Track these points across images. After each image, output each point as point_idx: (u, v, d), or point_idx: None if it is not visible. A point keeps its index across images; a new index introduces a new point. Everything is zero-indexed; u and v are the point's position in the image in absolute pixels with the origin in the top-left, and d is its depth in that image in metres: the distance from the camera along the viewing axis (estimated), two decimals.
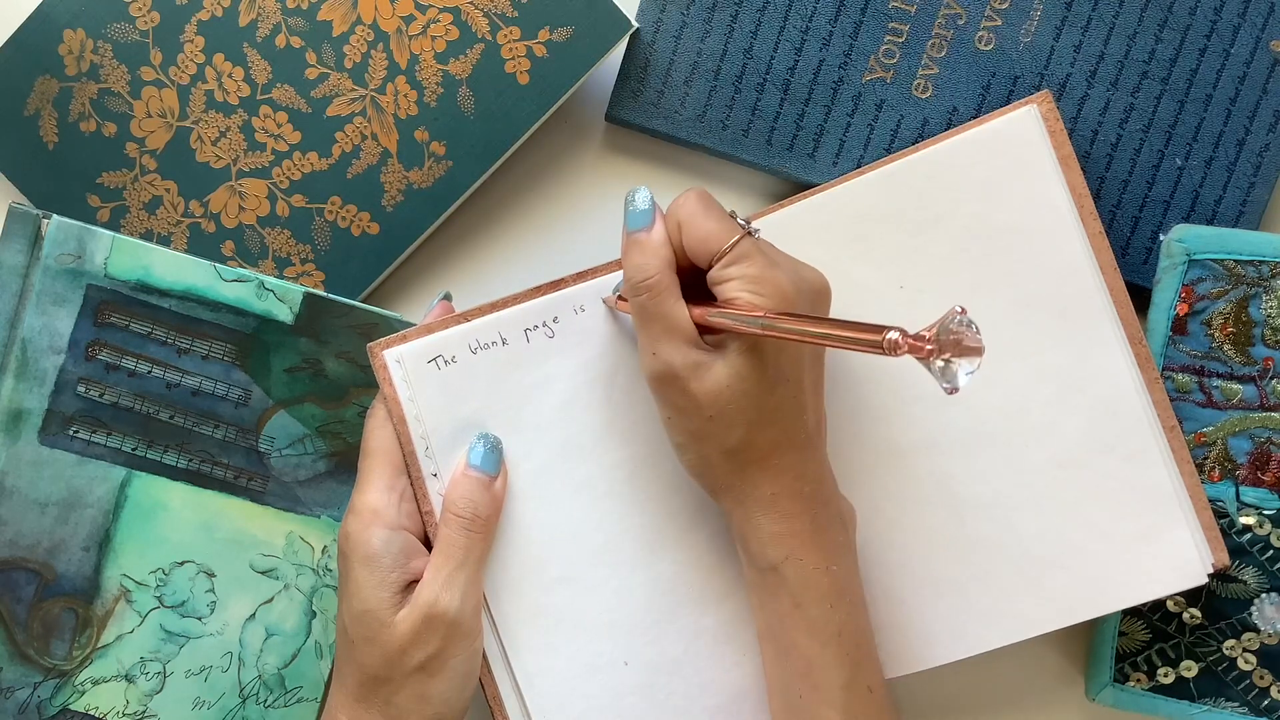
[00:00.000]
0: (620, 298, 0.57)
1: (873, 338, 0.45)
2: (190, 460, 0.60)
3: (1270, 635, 0.59)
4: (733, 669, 0.58)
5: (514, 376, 0.58)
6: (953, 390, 0.43)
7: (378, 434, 0.57)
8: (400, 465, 0.57)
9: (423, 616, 0.53)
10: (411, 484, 0.57)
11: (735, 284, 0.51)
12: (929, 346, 0.43)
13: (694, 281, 0.53)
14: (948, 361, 0.43)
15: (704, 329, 0.52)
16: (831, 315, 0.55)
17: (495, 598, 0.57)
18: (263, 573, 0.61)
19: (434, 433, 0.57)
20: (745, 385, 0.51)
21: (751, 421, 0.52)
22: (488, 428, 0.58)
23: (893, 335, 0.44)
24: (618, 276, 0.58)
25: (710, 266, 0.52)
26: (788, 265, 0.53)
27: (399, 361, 0.57)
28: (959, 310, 0.43)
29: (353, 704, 0.54)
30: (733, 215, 0.53)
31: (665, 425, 0.54)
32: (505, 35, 0.62)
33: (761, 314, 0.50)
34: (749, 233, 0.52)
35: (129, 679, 0.60)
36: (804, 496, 0.53)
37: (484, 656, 0.57)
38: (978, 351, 0.43)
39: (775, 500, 0.53)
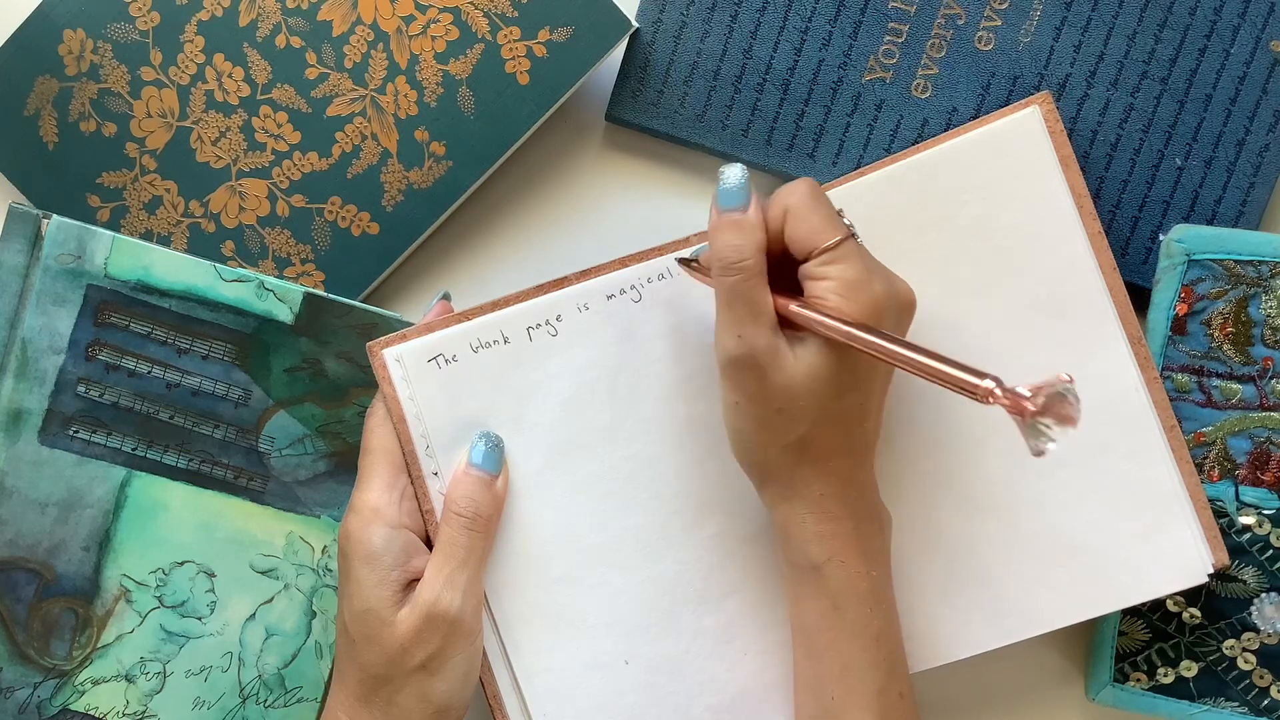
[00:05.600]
0: (694, 265, 0.56)
1: (967, 380, 0.45)
2: (190, 460, 0.60)
3: (1270, 635, 0.59)
4: (733, 668, 0.58)
5: (516, 375, 0.58)
6: (1039, 453, 0.44)
7: (378, 432, 0.57)
8: (401, 464, 0.56)
9: (424, 615, 0.53)
10: (412, 483, 0.57)
11: (830, 284, 0.51)
12: (1030, 407, 0.43)
13: (774, 267, 0.53)
14: (1042, 425, 0.43)
15: (782, 320, 0.52)
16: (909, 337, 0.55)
17: (496, 596, 0.57)
18: (263, 573, 0.61)
19: (434, 431, 0.57)
20: (818, 385, 0.51)
21: (816, 421, 0.52)
22: (489, 426, 0.58)
23: (988, 383, 0.44)
24: (654, 263, 0.58)
25: (806, 259, 0.52)
26: (882, 274, 0.52)
27: (398, 360, 0.57)
28: (1066, 379, 0.44)
29: (353, 703, 0.54)
30: (840, 214, 0.53)
31: (729, 409, 0.53)
32: (505, 35, 0.62)
33: (851, 324, 0.49)
34: (852, 234, 0.52)
35: (129, 679, 0.60)
36: (851, 501, 0.53)
37: (485, 655, 0.57)
38: (1073, 422, 0.44)
39: (823, 501, 0.53)
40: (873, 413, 0.53)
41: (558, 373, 0.58)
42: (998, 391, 0.44)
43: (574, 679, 0.58)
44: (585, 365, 0.58)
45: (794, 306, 0.51)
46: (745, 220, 0.52)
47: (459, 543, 0.55)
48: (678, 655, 0.58)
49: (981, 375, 0.45)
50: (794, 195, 0.52)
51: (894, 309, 0.52)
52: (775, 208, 0.53)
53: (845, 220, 0.53)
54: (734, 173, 0.53)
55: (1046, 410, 0.43)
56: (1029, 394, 0.43)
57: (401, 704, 0.53)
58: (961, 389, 0.45)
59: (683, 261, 0.57)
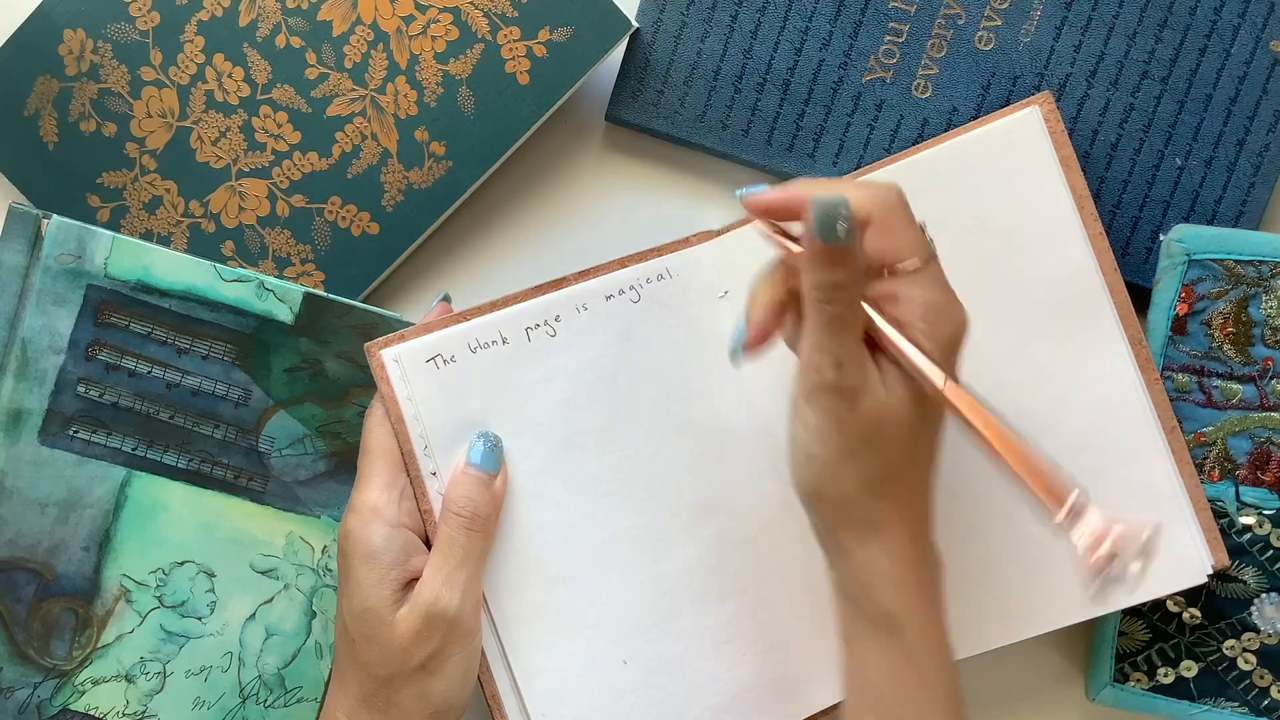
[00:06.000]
0: (781, 230, 0.52)
1: (1052, 492, 0.44)
2: (190, 460, 0.60)
3: (1270, 635, 0.59)
4: (733, 668, 0.58)
5: (515, 375, 0.58)
6: (1093, 591, 0.43)
7: (377, 432, 0.57)
8: (400, 464, 0.56)
9: (423, 615, 0.53)
10: (411, 483, 0.57)
11: (913, 307, 0.48)
12: (1101, 555, 0.43)
13: None
14: (1115, 563, 0.42)
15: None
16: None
17: (495, 596, 0.57)
18: (263, 573, 0.61)
19: (433, 431, 0.57)
20: (905, 416, 0.48)
21: (901, 454, 0.49)
22: (488, 426, 0.58)
23: (1065, 511, 0.43)
24: (653, 264, 0.58)
25: (886, 272, 0.49)
26: (957, 299, 0.50)
27: (396, 361, 0.57)
28: (1152, 526, 0.43)
29: (352, 704, 0.54)
30: (922, 228, 0.50)
31: (812, 436, 0.49)
32: (505, 35, 0.62)
33: (946, 378, 0.47)
34: (934, 255, 0.49)
35: (129, 679, 0.60)
36: (923, 543, 0.50)
37: (484, 655, 0.57)
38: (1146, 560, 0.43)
39: (902, 544, 0.49)
40: (939, 449, 0.51)
41: (556, 373, 0.58)
42: (1075, 532, 0.42)
43: (573, 679, 0.58)
44: (584, 366, 0.58)
45: (892, 338, 0.48)
46: (849, 254, 0.47)
47: (457, 542, 0.55)
48: (677, 655, 0.58)
49: (1063, 497, 0.43)
50: (879, 205, 0.49)
51: (960, 337, 0.49)
52: (858, 210, 0.48)
53: (928, 236, 0.50)
54: (834, 206, 0.47)
55: (1129, 552, 0.42)
56: (1106, 543, 0.42)
57: (400, 704, 0.53)
58: (1040, 494, 0.44)
59: (759, 226, 0.52)
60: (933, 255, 0.49)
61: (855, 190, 0.49)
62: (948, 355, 0.49)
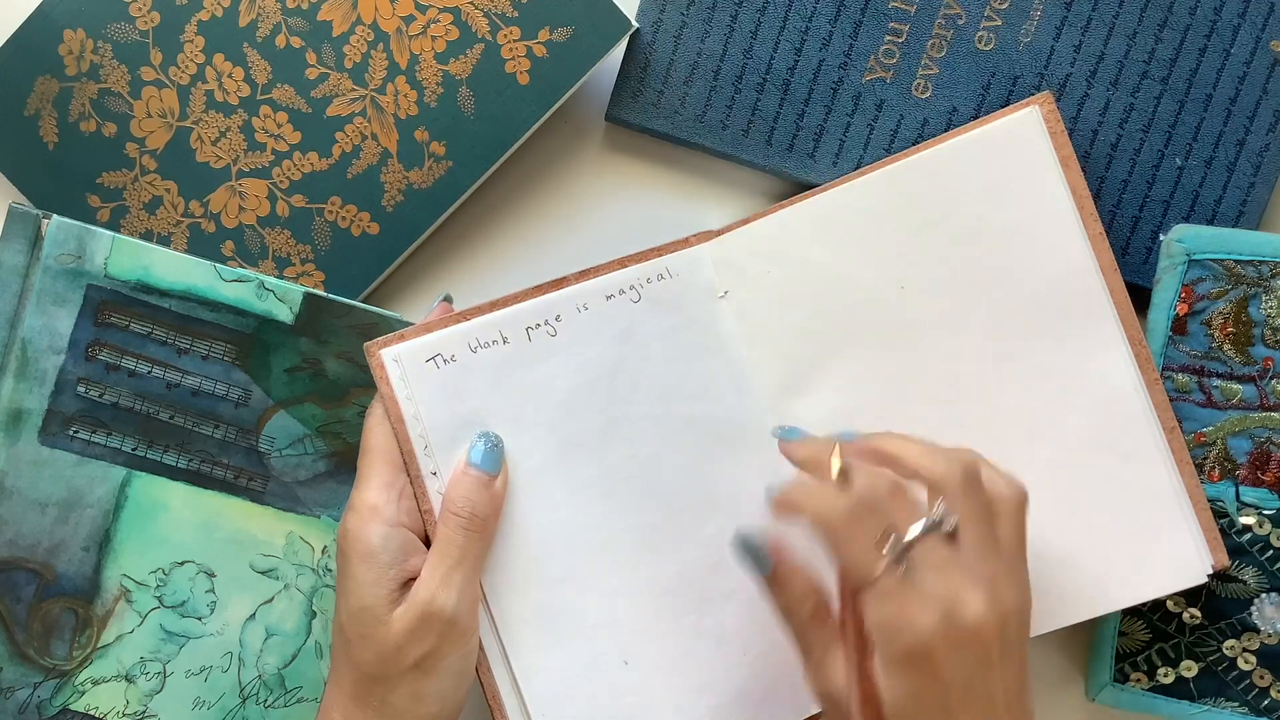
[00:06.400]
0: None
1: None
2: (190, 460, 0.60)
3: (1270, 635, 0.59)
4: (733, 668, 0.58)
5: (515, 375, 0.58)
6: None
7: (376, 432, 0.57)
8: (399, 463, 0.56)
9: (419, 614, 0.53)
10: (410, 483, 0.57)
11: (869, 622, 0.48)
12: None
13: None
14: None
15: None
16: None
17: (495, 596, 0.57)
18: (263, 573, 0.61)
19: (433, 431, 0.57)
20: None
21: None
22: (488, 426, 0.57)
23: None
24: (653, 264, 0.59)
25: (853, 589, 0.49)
26: (914, 606, 0.48)
27: (396, 360, 0.57)
28: None
29: (348, 703, 0.54)
30: (890, 536, 0.48)
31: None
32: (505, 35, 0.62)
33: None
34: (937, 525, 0.48)
35: (129, 679, 0.60)
36: None
37: (484, 655, 0.57)
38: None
39: None
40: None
41: (557, 373, 0.58)
42: None
43: (573, 679, 0.57)
44: (584, 365, 0.58)
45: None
46: (770, 582, 0.53)
47: (455, 542, 0.55)
48: (677, 656, 0.58)
49: None
50: (822, 523, 0.49)
51: (951, 643, 0.47)
52: (771, 543, 0.52)
53: (931, 510, 0.49)
54: (745, 541, 0.53)
55: None
56: None
57: (395, 704, 0.53)
58: None
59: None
60: (894, 563, 0.48)
61: (785, 511, 0.51)
62: (905, 667, 0.48)
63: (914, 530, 0.48)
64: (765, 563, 0.52)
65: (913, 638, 0.47)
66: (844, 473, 0.50)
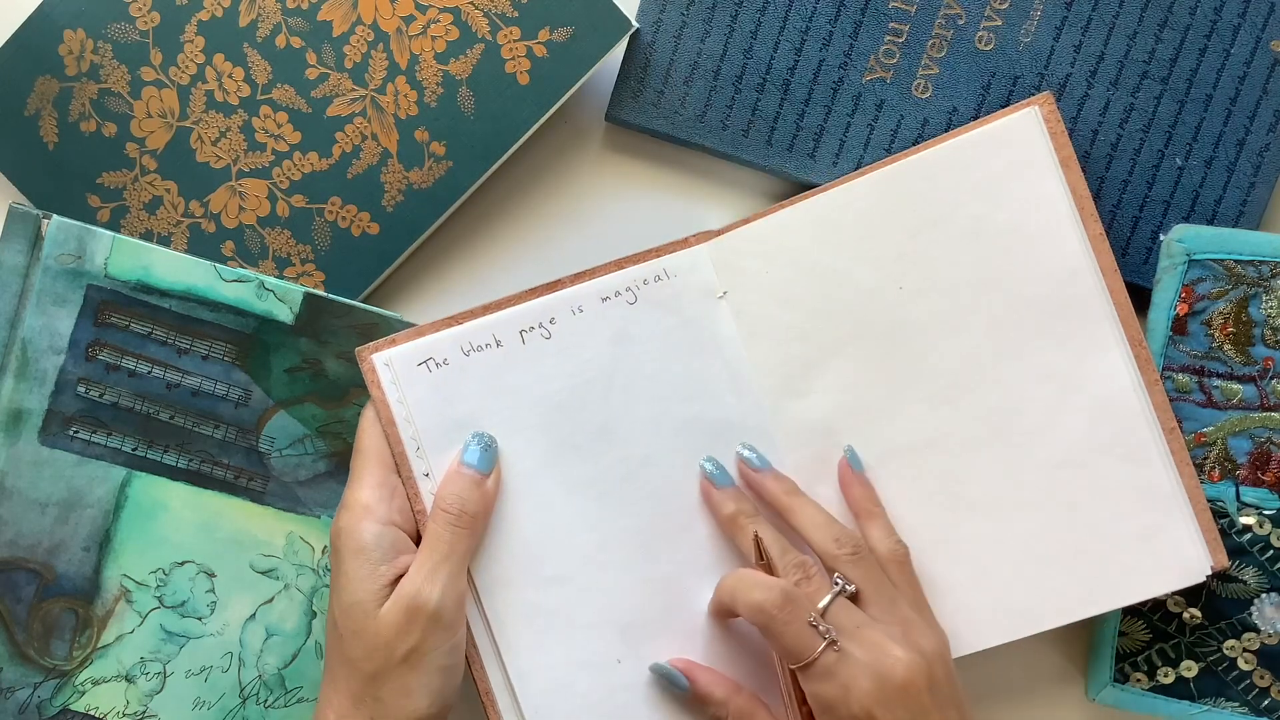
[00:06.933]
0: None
1: None
2: (190, 460, 0.60)
3: (1270, 635, 0.59)
4: (726, 668, 0.58)
5: (508, 377, 0.58)
6: None
7: (370, 432, 0.57)
8: (392, 463, 0.57)
9: (404, 608, 0.53)
10: (403, 484, 0.57)
11: (811, 700, 0.53)
12: None
13: None
14: None
15: None
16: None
17: (489, 595, 0.57)
18: (263, 573, 0.61)
19: (426, 433, 0.57)
20: None
21: None
22: (482, 428, 0.58)
23: None
24: (649, 265, 0.59)
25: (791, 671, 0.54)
26: (852, 683, 0.53)
27: (388, 364, 0.57)
28: None
29: (343, 701, 0.54)
30: (817, 626, 0.54)
31: None
32: (505, 35, 0.62)
33: None
34: (829, 644, 0.53)
35: (129, 679, 0.60)
36: None
37: (478, 653, 0.57)
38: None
39: None
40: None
41: (551, 375, 0.58)
42: None
43: (566, 677, 0.58)
44: (580, 367, 0.58)
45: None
46: (692, 699, 0.58)
47: (443, 538, 0.55)
48: (670, 655, 0.58)
49: None
50: (753, 605, 0.54)
51: (887, 703, 0.52)
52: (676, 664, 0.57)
53: (838, 584, 0.55)
54: (661, 672, 0.58)
55: None
56: None
57: (385, 700, 0.53)
58: None
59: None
60: (826, 645, 0.53)
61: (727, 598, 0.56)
62: None
63: (824, 600, 0.54)
64: (682, 683, 0.57)
65: (857, 705, 0.52)
66: (758, 544, 0.56)
